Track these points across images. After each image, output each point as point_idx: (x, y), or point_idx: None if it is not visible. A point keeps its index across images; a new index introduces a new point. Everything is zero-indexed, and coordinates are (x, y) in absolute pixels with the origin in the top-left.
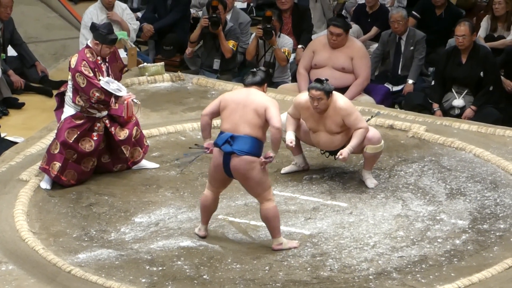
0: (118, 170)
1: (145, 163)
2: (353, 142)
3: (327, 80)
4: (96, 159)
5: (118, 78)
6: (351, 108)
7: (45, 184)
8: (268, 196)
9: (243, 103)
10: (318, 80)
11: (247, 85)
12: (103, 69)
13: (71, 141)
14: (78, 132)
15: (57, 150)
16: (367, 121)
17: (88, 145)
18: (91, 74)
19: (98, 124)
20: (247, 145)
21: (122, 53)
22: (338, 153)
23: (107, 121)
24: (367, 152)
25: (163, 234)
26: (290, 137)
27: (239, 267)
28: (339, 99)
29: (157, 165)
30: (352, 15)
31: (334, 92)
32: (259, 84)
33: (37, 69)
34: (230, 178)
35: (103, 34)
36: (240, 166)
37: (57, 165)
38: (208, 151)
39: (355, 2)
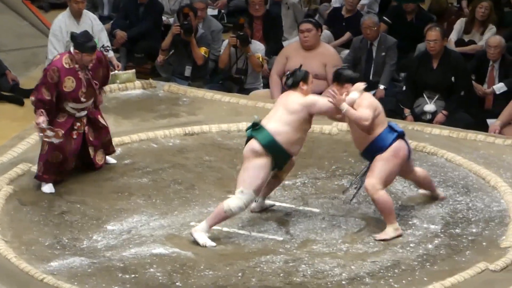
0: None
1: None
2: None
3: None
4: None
5: (103, 83)
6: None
7: (48, 188)
8: None
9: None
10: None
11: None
12: (80, 77)
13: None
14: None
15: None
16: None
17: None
18: (50, 81)
19: (78, 124)
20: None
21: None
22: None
23: (84, 121)
24: None
25: (136, 241)
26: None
27: (212, 274)
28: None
29: (114, 161)
30: (326, 18)
31: None
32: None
33: (7, 78)
34: None
35: (82, 42)
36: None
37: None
38: None
39: (329, 6)
